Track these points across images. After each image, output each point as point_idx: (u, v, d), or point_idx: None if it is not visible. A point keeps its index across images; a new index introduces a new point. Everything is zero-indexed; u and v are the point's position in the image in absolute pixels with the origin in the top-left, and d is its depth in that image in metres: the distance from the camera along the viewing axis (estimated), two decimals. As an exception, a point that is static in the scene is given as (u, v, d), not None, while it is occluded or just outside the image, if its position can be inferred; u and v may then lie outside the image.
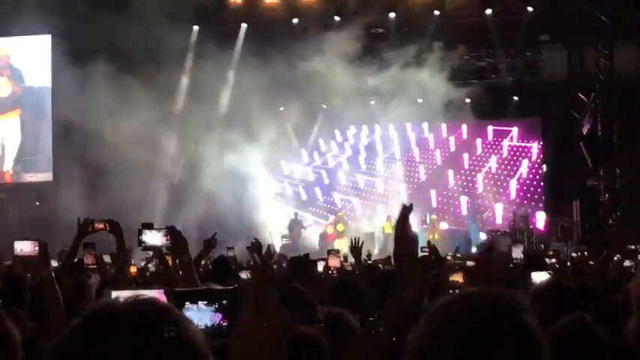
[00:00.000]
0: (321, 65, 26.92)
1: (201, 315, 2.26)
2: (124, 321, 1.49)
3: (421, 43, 26.63)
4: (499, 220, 28.54)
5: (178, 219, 23.07)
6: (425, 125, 30.58)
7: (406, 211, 3.06)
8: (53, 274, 4.90)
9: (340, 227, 27.83)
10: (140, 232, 6.10)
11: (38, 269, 4.92)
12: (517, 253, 11.51)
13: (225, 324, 2.18)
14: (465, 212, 29.27)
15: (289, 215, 29.45)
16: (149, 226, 6.20)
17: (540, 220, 27.88)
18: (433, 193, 29.76)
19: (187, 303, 2.28)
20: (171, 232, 5.39)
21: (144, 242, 6.11)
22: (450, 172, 30.42)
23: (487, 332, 1.66)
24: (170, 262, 6.64)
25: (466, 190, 30.03)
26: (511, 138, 30.35)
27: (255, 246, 8.52)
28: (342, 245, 25.57)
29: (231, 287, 2.20)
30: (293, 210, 29.90)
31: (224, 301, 2.25)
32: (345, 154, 31.83)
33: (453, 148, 30.90)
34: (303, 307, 4.09)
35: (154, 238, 6.05)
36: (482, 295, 1.76)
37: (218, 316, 2.24)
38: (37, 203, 25.57)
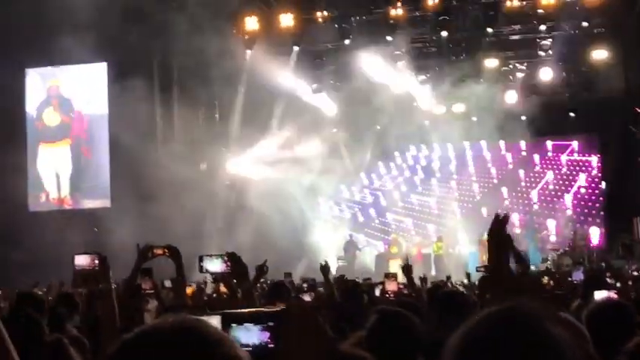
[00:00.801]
0: (373, 85, 26.98)
1: (248, 334, 2.31)
2: (170, 340, 1.55)
3: (474, 60, 26.51)
4: (553, 238, 28.18)
5: (233, 243, 23.25)
6: (483, 143, 30.45)
7: (499, 222, 2.89)
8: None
9: (394, 249, 27.70)
10: (201, 259, 6.16)
11: (98, 282, 4.94)
12: (578, 275, 11.35)
13: (272, 345, 2.24)
14: (517, 230, 28.92)
15: (344, 237, 29.42)
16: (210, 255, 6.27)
17: (595, 235, 27.53)
18: (484, 210, 29.58)
19: (234, 324, 2.34)
20: (231, 258, 5.42)
21: (205, 269, 6.16)
22: (504, 190, 30.21)
23: (511, 347, 1.64)
24: (225, 288, 6.70)
25: (521, 207, 29.79)
26: (570, 152, 30.06)
27: (324, 269, 8.86)
28: (396, 267, 25.49)
29: (277, 309, 2.26)
30: (348, 232, 29.87)
31: (270, 323, 2.30)
32: (403, 174, 31.81)
33: (510, 166, 30.71)
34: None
35: (214, 264, 6.10)
36: (506, 309, 1.73)
37: (265, 335, 2.29)
38: (95, 229, 25.90)
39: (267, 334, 2.24)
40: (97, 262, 5.09)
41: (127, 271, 7.48)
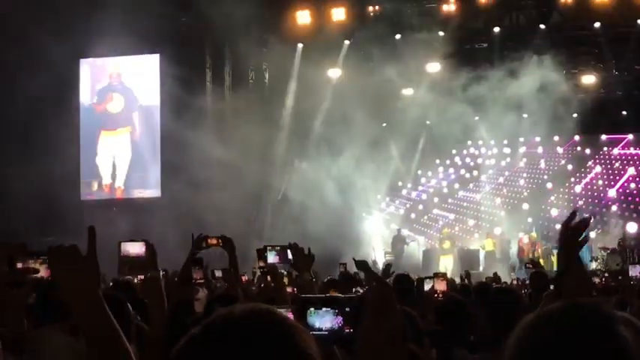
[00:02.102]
0: (423, 81, 26.84)
1: (323, 319, 2.33)
2: (240, 328, 1.57)
3: (527, 57, 26.23)
4: (592, 234, 27.82)
5: (282, 234, 23.30)
6: (537, 139, 30.25)
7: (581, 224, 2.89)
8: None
9: (446, 245, 27.47)
10: (265, 250, 6.16)
11: (146, 270, 4.94)
12: (634, 271, 11.18)
13: (348, 330, 2.25)
14: (557, 226, 28.50)
15: (392, 231, 29.38)
16: (272, 247, 6.25)
17: (631, 230, 27.18)
18: (526, 206, 29.36)
19: (311, 308, 2.35)
20: (294, 250, 5.43)
21: (268, 262, 6.15)
22: (549, 185, 29.90)
23: (576, 345, 1.61)
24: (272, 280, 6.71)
25: (565, 203, 29.49)
26: (624, 146, 29.69)
27: (362, 265, 8.64)
28: (447, 262, 25.39)
29: (354, 295, 2.27)
30: (396, 226, 29.81)
31: (347, 309, 2.30)
32: (457, 172, 31.73)
33: (563, 161, 30.42)
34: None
35: (270, 256, 6.09)
36: (571, 307, 1.70)
37: (339, 320, 2.30)
38: (146, 218, 26.07)
39: (341, 318, 2.28)
40: (144, 249, 5.07)
41: (172, 259, 7.53)
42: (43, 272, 3.07)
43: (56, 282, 2.51)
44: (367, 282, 8.71)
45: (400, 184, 31.51)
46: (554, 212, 28.84)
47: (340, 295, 2.37)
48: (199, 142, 23.99)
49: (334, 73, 27.26)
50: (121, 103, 27.38)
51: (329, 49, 26.53)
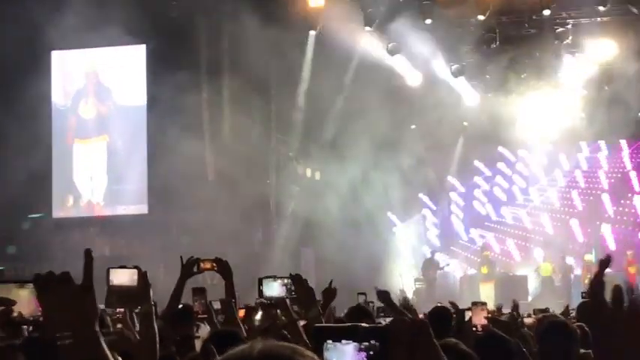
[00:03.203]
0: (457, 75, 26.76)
1: (343, 354, 2.27)
2: None
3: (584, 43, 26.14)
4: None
5: (297, 257, 23.21)
6: (599, 143, 30.25)
7: (604, 265, 2.83)
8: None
9: (484, 270, 27.27)
10: (260, 283, 6.09)
11: (137, 302, 4.89)
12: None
13: None
14: (612, 247, 28.21)
15: (424, 255, 29.14)
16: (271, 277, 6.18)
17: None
18: (576, 223, 29.13)
19: (329, 341, 2.28)
20: (296, 281, 5.32)
21: (265, 295, 6.10)
22: (605, 197, 29.65)
23: None
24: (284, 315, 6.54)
25: (625, 217, 29.32)
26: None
27: (384, 296, 8.53)
28: (488, 291, 25.18)
29: (379, 325, 2.20)
30: (428, 248, 29.59)
31: (371, 341, 2.24)
32: (498, 182, 31.54)
33: (626, 169, 30.24)
34: None
35: (273, 288, 6.02)
36: None
37: (361, 355, 2.24)
38: (130, 239, 26.06)
39: (364, 354, 2.24)
40: (135, 278, 4.93)
41: (161, 288, 7.31)
42: (25, 304, 3.05)
43: (46, 317, 2.48)
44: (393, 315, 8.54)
45: (433, 197, 31.32)
46: (605, 229, 28.58)
47: (364, 324, 2.29)
48: (193, 149, 23.89)
49: (353, 65, 27.01)
50: (95, 106, 27.21)
51: (345, 37, 26.27)
